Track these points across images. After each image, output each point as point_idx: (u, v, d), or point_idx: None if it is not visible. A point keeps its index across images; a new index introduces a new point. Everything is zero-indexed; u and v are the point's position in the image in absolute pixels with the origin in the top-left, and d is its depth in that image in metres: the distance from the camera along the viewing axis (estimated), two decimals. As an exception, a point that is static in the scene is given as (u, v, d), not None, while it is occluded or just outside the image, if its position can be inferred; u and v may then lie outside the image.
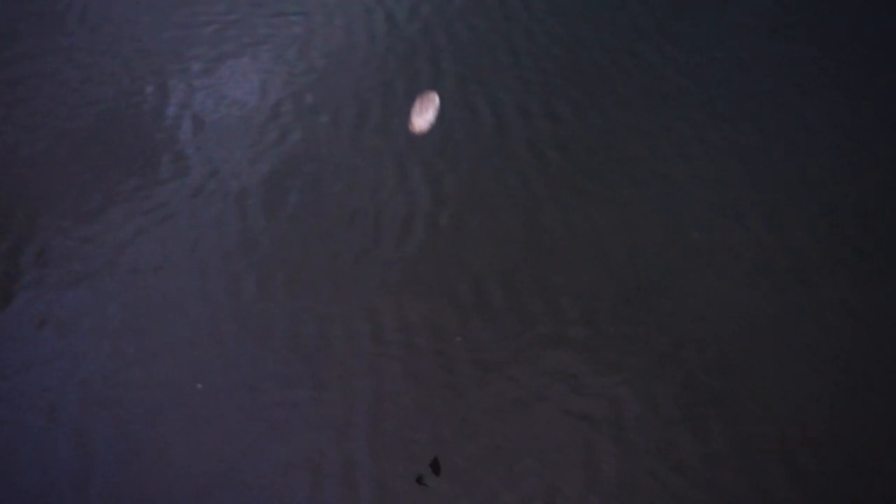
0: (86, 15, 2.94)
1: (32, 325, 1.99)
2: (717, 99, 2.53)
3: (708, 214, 2.17)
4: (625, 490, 1.67)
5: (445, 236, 2.12)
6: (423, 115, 1.75)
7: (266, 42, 2.81)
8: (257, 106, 2.57)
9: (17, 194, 2.31)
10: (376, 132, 2.44)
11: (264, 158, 2.39)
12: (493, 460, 1.73)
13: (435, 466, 1.66)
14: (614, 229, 2.15)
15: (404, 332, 1.94)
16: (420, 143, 2.39)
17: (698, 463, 1.70)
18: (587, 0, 2.90)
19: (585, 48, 2.73)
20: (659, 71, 2.64)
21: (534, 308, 1.97)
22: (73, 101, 2.61)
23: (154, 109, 2.58)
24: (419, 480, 1.65)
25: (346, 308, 2.00)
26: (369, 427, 1.77)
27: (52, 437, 1.78)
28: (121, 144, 2.46)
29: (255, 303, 2.01)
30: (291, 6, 2.96)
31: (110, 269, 2.11)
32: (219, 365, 1.90)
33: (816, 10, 2.83)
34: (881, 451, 1.70)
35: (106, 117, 2.55)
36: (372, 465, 1.71)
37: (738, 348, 1.89)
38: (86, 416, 1.81)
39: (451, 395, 1.83)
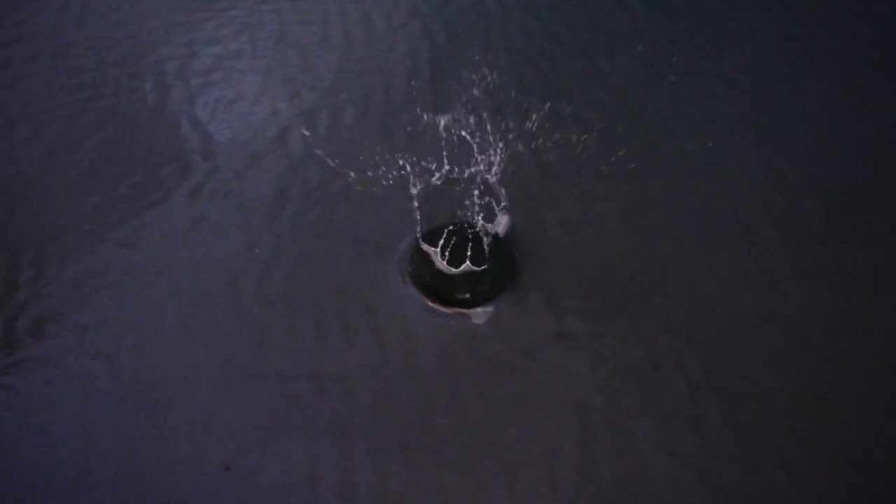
0: (68, 2, 2.91)
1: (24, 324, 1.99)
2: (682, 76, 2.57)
3: (681, 217, 2.21)
4: (619, 477, 1.70)
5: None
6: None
7: (267, 40, 2.79)
8: (247, 102, 2.56)
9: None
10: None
11: (263, 160, 2.39)
12: (490, 447, 1.75)
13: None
14: (590, 227, 2.18)
15: (402, 327, 1.95)
16: (396, 140, 2.40)
17: (694, 452, 1.73)
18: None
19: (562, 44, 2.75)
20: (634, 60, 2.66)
21: (533, 301, 2.02)
22: (53, 93, 2.58)
23: (136, 102, 2.55)
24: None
25: (345, 306, 2.00)
26: (368, 420, 1.80)
27: (51, 429, 1.79)
28: (105, 139, 2.44)
29: (252, 304, 2.01)
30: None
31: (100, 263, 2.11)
32: (216, 362, 1.91)
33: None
34: (869, 443, 1.73)
35: (88, 109, 2.52)
36: (367, 456, 1.73)
37: (728, 345, 1.91)
38: (85, 409, 1.83)
39: (448, 388, 1.85)
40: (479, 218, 2.08)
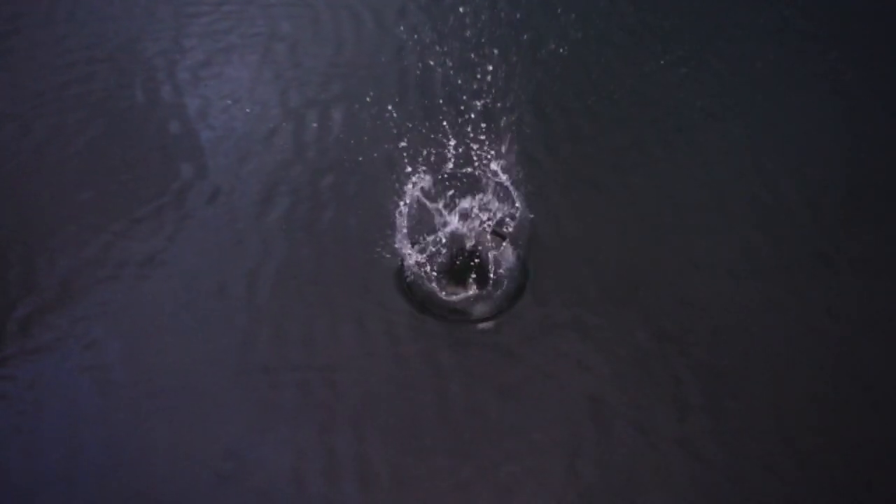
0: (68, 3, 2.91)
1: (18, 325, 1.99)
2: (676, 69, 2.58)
3: (684, 210, 2.23)
4: (605, 465, 1.72)
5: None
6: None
7: (258, 36, 2.79)
8: (246, 103, 2.57)
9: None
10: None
11: (253, 157, 2.40)
12: (483, 437, 1.77)
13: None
14: (580, 223, 2.19)
15: (389, 333, 1.96)
16: (388, 139, 2.41)
17: (677, 443, 1.75)
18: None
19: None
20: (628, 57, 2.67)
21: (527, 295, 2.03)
22: (44, 88, 2.58)
23: (126, 99, 2.55)
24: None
25: (331, 308, 2.00)
26: (362, 415, 1.80)
27: (42, 425, 1.80)
28: (103, 138, 2.44)
29: (241, 300, 2.02)
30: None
31: (94, 269, 2.10)
32: (209, 356, 1.92)
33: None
34: (858, 439, 1.75)
35: (78, 105, 2.52)
36: (362, 447, 1.74)
37: (720, 338, 1.93)
38: (77, 406, 1.84)
39: (440, 381, 1.86)
40: (484, 221, 2.06)
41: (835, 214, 2.21)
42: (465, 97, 2.51)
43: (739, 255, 2.11)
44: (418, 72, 2.64)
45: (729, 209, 2.23)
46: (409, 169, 2.15)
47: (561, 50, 2.71)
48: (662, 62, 2.66)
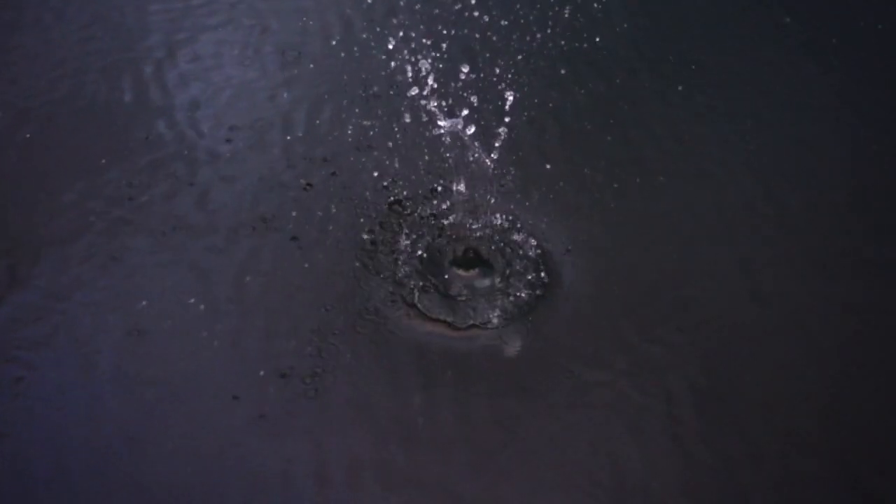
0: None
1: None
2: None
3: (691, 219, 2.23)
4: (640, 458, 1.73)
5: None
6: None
7: (227, 26, 2.79)
8: (226, 98, 2.55)
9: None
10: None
11: (226, 146, 2.38)
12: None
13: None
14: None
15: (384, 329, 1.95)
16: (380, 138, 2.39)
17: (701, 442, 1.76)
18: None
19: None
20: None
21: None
22: (39, 80, 2.56)
23: (117, 92, 2.54)
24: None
25: (310, 295, 1.98)
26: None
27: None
28: (87, 127, 2.44)
29: (229, 304, 2.00)
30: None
31: (78, 259, 2.09)
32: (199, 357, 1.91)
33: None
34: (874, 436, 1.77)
35: (69, 98, 2.52)
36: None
37: (741, 347, 1.93)
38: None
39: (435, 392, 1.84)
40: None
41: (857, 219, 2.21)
42: (459, 99, 2.48)
43: (743, 263, 2.11)
44: (412, 70, 2.62)
45: (738, 217, 2.22)
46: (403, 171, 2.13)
47: (554, 53, 2.70)
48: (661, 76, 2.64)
